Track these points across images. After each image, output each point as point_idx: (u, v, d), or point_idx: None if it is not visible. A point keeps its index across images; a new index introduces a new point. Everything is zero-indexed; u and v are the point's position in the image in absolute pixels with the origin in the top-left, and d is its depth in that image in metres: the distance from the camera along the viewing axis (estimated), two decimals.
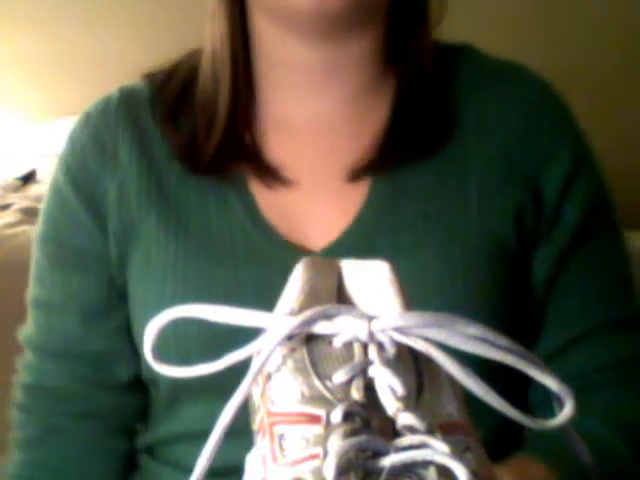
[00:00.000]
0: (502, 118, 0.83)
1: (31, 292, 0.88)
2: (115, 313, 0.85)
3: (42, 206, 0.89)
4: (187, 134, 0.84)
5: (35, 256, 0.88)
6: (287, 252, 0.78)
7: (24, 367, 0.88)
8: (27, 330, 0.88)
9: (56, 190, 0.87)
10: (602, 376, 0.82)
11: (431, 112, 0.83)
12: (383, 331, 0.42)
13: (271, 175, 0.83)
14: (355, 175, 0.81)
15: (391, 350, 0.42)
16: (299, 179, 0.83)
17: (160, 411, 0.85)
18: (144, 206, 0.83)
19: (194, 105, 0.85)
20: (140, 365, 0.85)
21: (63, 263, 0.86)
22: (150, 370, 0.82)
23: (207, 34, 0.85)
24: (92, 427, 0.86)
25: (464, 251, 0.79)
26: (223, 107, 0.83)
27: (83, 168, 0.85)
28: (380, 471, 0.37)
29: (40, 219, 0.89)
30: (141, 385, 0.87)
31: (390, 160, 0.81)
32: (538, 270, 0.82)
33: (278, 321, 0.43)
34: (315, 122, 0.84)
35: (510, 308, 0.80)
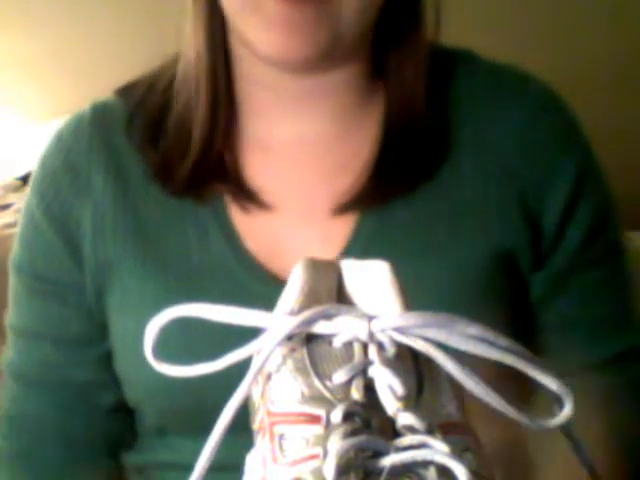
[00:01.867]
0: (500, 133, 0.78)
1: (10, 317, 0.84)
2: (97, 343, 0.81)
3: (17, 228, 0.84)
4: (163, 153, 0.79)
5: (11, 280, 0.84)
6: (268, 287, 0.72)
7: (6, 395, 0.84)
8: (8, 356, 0.84)
9: (30, 216, 0.82)
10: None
11: (423, 134, 0.78)
12: (383, 331, 0.42)
13: (249, 199, 0.78)
14: (341, 210, 0.77)
15: (391, 350, 0.42)
16: (280, 204, 0.78)
17: (148, 438, 0.83)
18: (120, 239, 0.78)
19: (171, 120, 0.80)
20: (123, 394, 0.81)
21: (40, 293, 0.81)
22: (135, 401, 0.81)
23: (184, 45, 0.80)
24: (78, 454, 0.83)
25: (457, 287, 0.74)
26: (199, 125, 0.78)
27: (56, 196, 0.81)
28: (380, 471, 0.37)
29: (16, 242, 0.84)
30: (127, 409, 0.83)
31: (379, 195, 0.77)
32: (533, 293, 0.79)
33: (278, 321, 0.43)
34: (298, 144, 0.79)
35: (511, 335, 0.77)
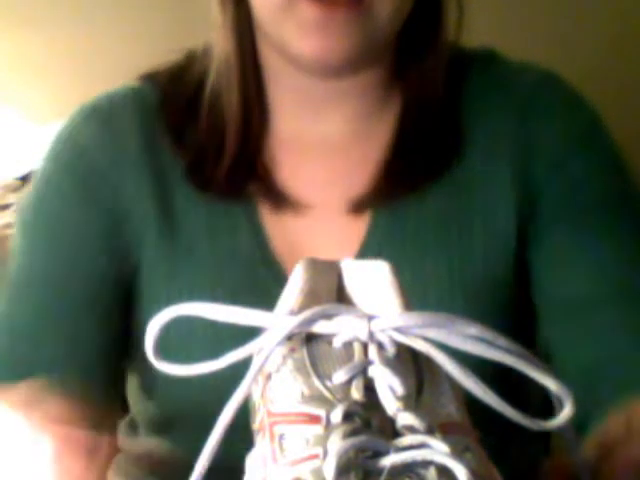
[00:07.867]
0: (513, 133, 0.79)
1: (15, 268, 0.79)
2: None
3: (35, 203, 0.81)
4: (196, 152, 0.79)
5: (21, 234, 0.80)
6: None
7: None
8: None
9: (55, 190, 0.80)
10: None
11: (437, 134, 0.80)
12: (383, 331, 0.42)
13: (280, 200, 0.79)
14: (357, 208, 0.79)
15: (391, 350, 0.42)
16: (304, 204, 0.80)
17: (157, 428, 0.82)
18: (153, 229, 0.78)
19: (202, 119, 0.80)
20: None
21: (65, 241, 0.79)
22: (149, 385, 0.80)
23: (214, 46, 0.80)
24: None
25: (468, 285, 0.75)
26: (233, 128, 0.79)
27: (94, 172, 0.79)
28: (380, 471, 0.37)
29: (29, 206, 0.81)
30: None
31: (392, 193, 0.78)
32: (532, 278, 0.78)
33: (278, 321, 0.43)
34: (322, 144, 0.81)
35: (517, 332, 0.74)
